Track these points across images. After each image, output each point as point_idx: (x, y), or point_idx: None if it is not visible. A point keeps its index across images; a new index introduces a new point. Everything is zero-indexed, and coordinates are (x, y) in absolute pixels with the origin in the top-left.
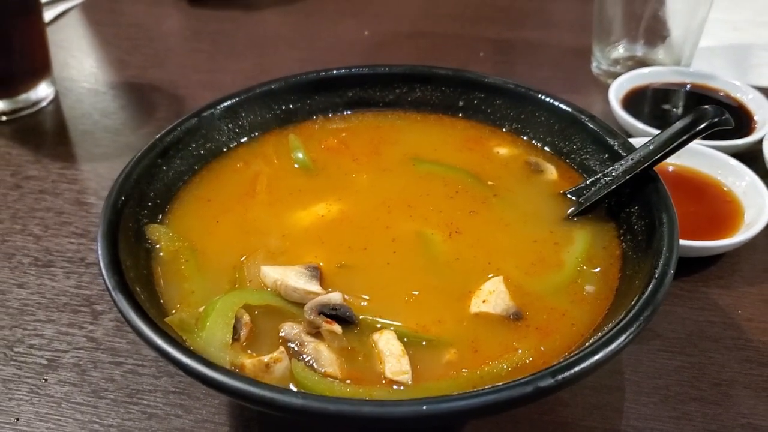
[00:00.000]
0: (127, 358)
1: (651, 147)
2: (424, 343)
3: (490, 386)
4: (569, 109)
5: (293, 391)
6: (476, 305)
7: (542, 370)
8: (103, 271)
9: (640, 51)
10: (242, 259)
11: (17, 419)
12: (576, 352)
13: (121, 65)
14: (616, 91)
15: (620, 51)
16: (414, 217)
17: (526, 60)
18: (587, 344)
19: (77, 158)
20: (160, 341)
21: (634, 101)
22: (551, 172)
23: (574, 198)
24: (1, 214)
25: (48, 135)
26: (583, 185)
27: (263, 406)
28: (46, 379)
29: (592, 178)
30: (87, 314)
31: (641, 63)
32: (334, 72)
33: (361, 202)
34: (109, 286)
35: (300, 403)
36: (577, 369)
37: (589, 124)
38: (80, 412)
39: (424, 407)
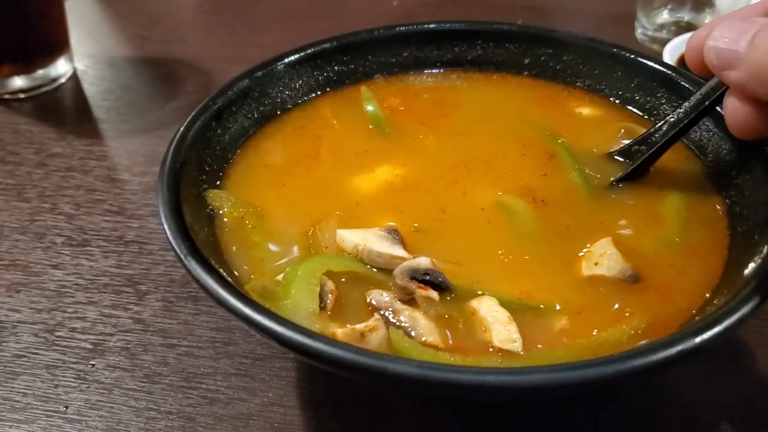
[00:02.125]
0: (180, 340)
1: None
2: (529, 310)
3: (628, 350)
4: (651, 64)
5: (409, 360)
6: (587, 268)
7: (681, 331)
8: (171, 238)
9: (686, 16)
10: (315, 226)
11: (66, 407)
12: (710, 312)
13: (140, 41)
14: (671, 54)
15: (665, 16)
16: (495, 180)
17: (566, 27)
18: (715, 304)
19: (104, 135)
20: (250, 310)
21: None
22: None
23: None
24: (27, 193)
25: (70, 112)
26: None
27: (376, 378)
28: (93, 364)
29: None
30: (131, 295)
31: (687, 29)
32: (393, 30)
33: (433, 165)
34: (180, 253)
35: (416, 373)
36: (719, 328)
37: (677, 78)
38: (134, 398)
39: (565, 373)
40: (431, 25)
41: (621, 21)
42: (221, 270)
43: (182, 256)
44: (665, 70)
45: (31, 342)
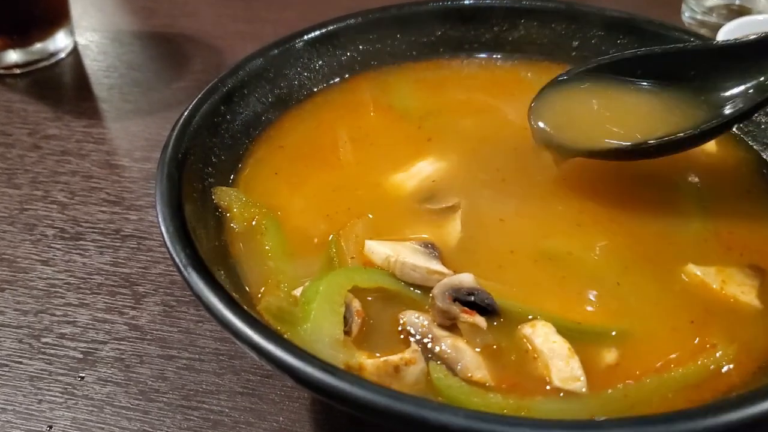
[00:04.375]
0: (180, 351)
1: None
2: (591, 337)
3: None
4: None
5: (456, 410)
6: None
7: None
8: (168, 242)
9: None
10: (338, 232)
11: (50, 427)
12: None
13: (147, 13)
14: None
15: None
16: (552, 190)
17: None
18: None
19: (104, 115)
20: (261, 340)
21: None
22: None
23: None
24: (18, 179)
25: (68, 90)
26: None
27: (415, 428)
28: (82, 377)
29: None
30: (127, 297)
31: (740, 13)
32: (425, 5)
33: (472, 163)
34: (179, 262)
35: (464, 426)
36: None
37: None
38: (127, 418)
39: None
40: (469, 1)
41: (667, 2)
42: (228, 284)
43: (181, 266)
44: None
45: (15, 349)
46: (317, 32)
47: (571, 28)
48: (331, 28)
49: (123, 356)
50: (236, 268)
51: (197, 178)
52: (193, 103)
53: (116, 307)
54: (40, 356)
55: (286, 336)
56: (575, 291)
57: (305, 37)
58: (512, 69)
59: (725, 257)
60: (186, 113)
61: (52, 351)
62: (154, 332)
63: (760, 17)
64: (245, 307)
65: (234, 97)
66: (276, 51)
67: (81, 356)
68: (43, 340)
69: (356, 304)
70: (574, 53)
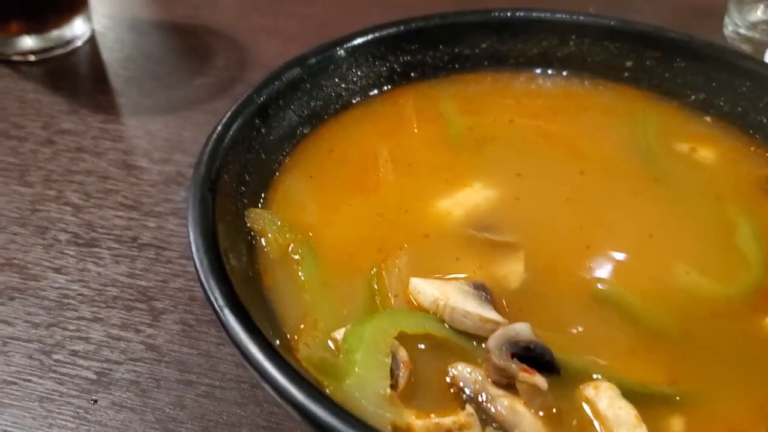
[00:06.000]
0: (200, 377)
1: None
2: (659, 401)
3: None
4: None
5: None
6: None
7: None
8: (203, 278)
9: None
10: (377, 267)
11: None
12: None
13: (168, 2)
14: None
15: (759, 14)
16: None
17: (646, 19)
18: None
19: (121, 111)
20: (304, 398)
21: None
22: None
23: None
24: (30, 176)
25: (85, 81)
26: None
27: None
28: (95, 400)
29: None
30: (144, 313)
31: None
32: (470, 16)
33: (528, 192)
34: (215, 303)
35: None
36: None
37: None
38: None
39: None
40: (519, 14)
41: (708, 15)
42: (265, 326)
43: (217, 308)
44: None
45: (24, 365)
46: (358, 41)
47: (625, 48)
48: (372, 36)
49: (139, 379)
50: (271, 302)
51: (231, 199)
52: (228, 115)
53: (132, 324)
54: (51, 375)
55: (328, 391)
56: (642, 345)
57: (345, 46)
58: (562, 86)
59: None
60: (220, 126)
61: (64, 370)
62: (173, 353)
63: None
64: (285, 358)
65: (270, 110)
66: (314, 60)
67: (95, 377)
68: (55, 357)
69: (403, 354)
70: (626, 74)
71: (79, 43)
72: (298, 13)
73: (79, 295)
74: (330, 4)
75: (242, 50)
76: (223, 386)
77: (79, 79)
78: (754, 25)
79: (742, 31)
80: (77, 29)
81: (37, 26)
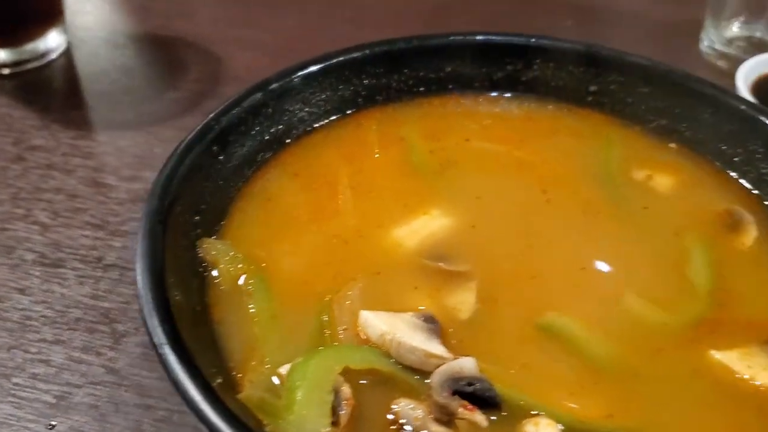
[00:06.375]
0: (158, 401)
1: None
2: None
3: None
4: (752, 113)
5: None
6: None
7: None
8: (146, 316)
9: (760, 31)
10: (332, 296)
11: None
12: None
13: (143, 13)
14: (745, 77)
15: (735, 29)
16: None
17: (622, 33)
18: None
19: (93, 126)
20: None
21: (767, 92)
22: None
23: None
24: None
25: (58, 95)
26: None
27: None
28: (53, 425)
29: None
30: (106, 335)
31: (760, 47)
32: (435, 39)
33: (484, 220)
34: (155, 340)
35: None
36: None
37: None
38: None
39: None
40: (480, 37)
41: (685, 30)
42: (208, 362)
43: (157, 345)
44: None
45: None
46: (322, 65)
47: (590, 72)
48: (337, 60)
49: (98, 403)
50: (219, 336)
51: (183, 231)
52: (184, 143)
53: (94, 347)
54: (10, 399)
55: (267, 430)
56: (590, 380)
57: (310, 70)
58: (526, 110)
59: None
60: (175, 156)
61: (24, 393)
62: (132, 377)
63: None
64: (222, 398)
65: (229, 137)
66: (276, 84)
67: (54, 401)
68: (14, 380)
69: (346, 390)
70: (590, 98)
71: (53, 55)
72: (272, 26)
73: (42, 316)
74: (304, 17)
75: (215, 63)
76: (182, 411)
77: (52, 93)
78: (729, 42)
79: (718, 46)
80: (51, 42)
81: (11, 39)
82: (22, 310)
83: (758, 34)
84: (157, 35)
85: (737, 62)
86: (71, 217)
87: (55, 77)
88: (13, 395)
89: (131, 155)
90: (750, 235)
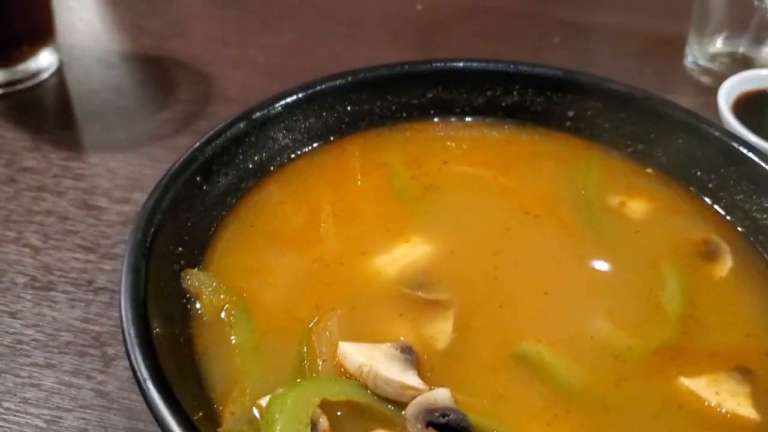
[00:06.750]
0: (147, 424)
1: None
2: None
3: None
4: (725, 139)
5: None
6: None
7: None
8: (130, 350)
9: (743, 47)
10: (310, 325)
11: None
12: None
13: (136, 32)
14: (727, 95)
15: (718, 45)
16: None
17: (609, 49)
18: None
19: (84, 147)
20: None
21: (748, 110)
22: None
23: None
24: None
25: (50, 115)
26: None
27: None
28: None
29: None
30: (96, 359)
31: (743, 63)
32: (417, 67)
33: (464, 247)
34: (139, 375)
35: None
36: None
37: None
38: None
39: None
40: (461, 64)
41: (670, 44)
42: (190, 397)
43: (141, 380)
44: (742, 149)
45: None
46: (304, 93)
47: (566, 98)
48: (320, 88)
49: (88, 427)
50: (201, 368)
51: (167, 262)
52: (168, 175)
53: (84, 370)
54: (1, 424)
55: None
56: (562, 410)
57: (292, 99)
58: (507, 135)
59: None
60: (159, 188)
61: (14, 418)
62: (122, 401)
63: (763, 72)
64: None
65: (213, 166)
66: (259, 114)
67: (44, 425)
68: (5, 405)
69: (323, 422)
70: (568, 123)
71: (45, 75)
72: (265, 45)
73: (33, 340)
74: (297, 36)
75: (207, 82)
76: None
77: (44, 113)
78: (713, 57)
79: (702, 62)
80: (43, 61)
81: (2, 60)
82: (13, 333)
83: (741, 50)
84: (150, 55)
85: (721, 78)
86: (62, 239)
87: (46, 97)
88: (4, 420)
89: (122, 177)
90: (725, 265)
